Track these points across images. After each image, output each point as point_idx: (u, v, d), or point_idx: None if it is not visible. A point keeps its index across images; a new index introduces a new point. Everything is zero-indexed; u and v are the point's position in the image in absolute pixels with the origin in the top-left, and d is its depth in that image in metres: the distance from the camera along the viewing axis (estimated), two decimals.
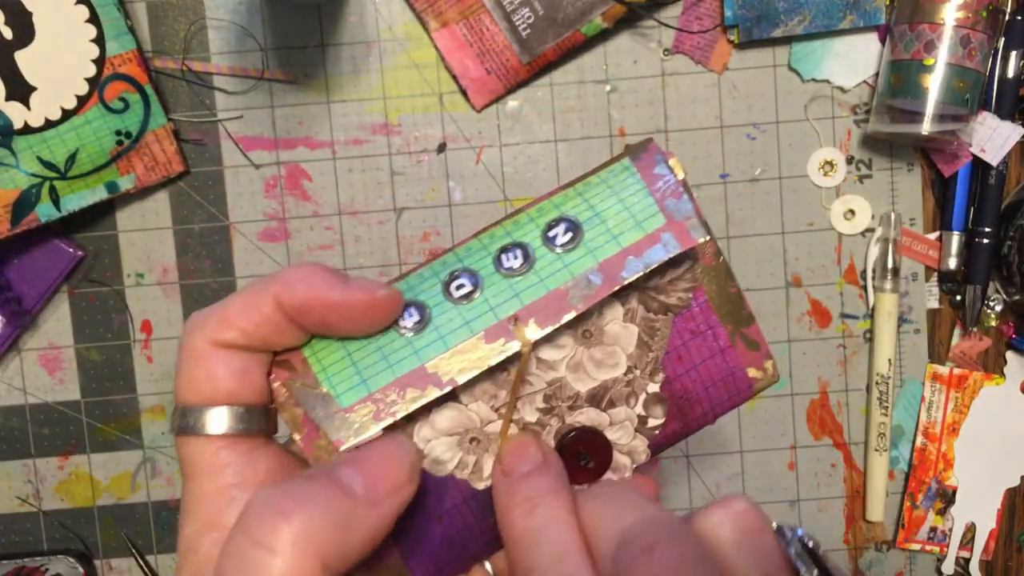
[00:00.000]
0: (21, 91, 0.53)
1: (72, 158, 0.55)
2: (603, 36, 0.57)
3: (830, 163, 0.59)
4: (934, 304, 0.60)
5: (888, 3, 0.57)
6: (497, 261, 0.28)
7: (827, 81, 0.58)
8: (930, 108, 0.53)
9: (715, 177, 0.59)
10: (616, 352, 0.29)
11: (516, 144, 0.58)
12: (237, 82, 0.58)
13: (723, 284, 0.30)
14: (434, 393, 0.27)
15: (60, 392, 0.59)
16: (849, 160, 0.59)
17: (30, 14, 0.53)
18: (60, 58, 0.54)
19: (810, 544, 0.23)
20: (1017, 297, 0.58)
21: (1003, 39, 0.56)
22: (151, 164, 0.56)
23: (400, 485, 0.25)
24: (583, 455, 0.29)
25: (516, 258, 0.28)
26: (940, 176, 0.59)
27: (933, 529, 0.60)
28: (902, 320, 0.59)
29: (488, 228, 0.29)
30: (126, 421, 0.59)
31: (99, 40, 0.54)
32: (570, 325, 0.28)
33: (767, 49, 0.58)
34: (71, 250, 0.57)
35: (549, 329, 0.27)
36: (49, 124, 0.54)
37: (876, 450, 0.59)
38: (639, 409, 0.29)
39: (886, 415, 0.59)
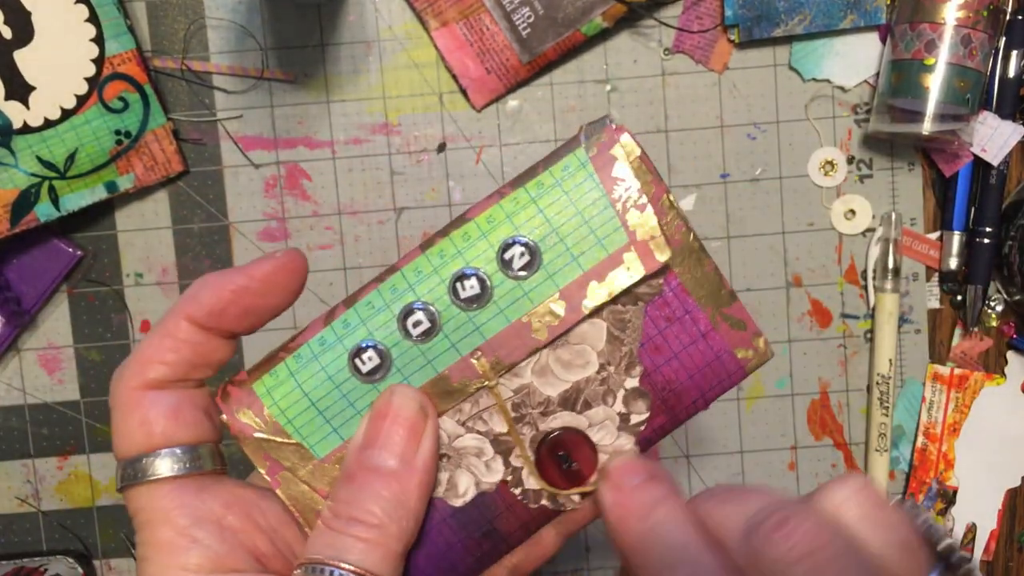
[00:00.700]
0: (20, 90, 0.53)
1: (71, 158, 0.55)
2: (603, 36, 0.57)
3: (831, 163, 0.58)
4: (935, 304, 0.60)
5: (889, 2, 0.57)
6: (453, 292, 0.27)
7: (828, 81, 0.58)
8: (931, 108, 0.53)
9: (715, 177, 0.59)
10: (585, 351, 0.28)
11: (516, 144, 0.58)
12: (237, 82, 0.57)
13: (697, 264, 0.28)
14: None
15: (59, 392, 0.59)
16: (850, 160, 0.59)
17: (29, 13, 0.53)
18: (59, 57, 0.54)
19: (929, 519, 0.23)
20: (1018, 297, 0.58)
21: (1004, 39, 0.56)
22: (150, 164, 0.56)
23: (419, 430, 0.26)
24: (564, 458, 0.28)
25: (473, 288, 0.27)
26: (941, 176, 0.58)
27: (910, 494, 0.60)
28: (903, 320, 0.59)
29: (435, 240, 0.27)
30: None
31: (98, 39, 0.54)
32: None
33: (767, 49, 0.58)
34: (70, 250, 0.57)
35: (514, 362, 0.27)
36: (48, 124, 0.54)
37: (877, 450, 0.59)
38: (619, 407, 0.28)
39: (887, 415, 0.58)
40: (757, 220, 0.59)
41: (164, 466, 0.26)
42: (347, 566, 0.24)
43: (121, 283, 0.59)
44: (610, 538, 0.26)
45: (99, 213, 0.58)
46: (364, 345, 0.27)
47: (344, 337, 0.27)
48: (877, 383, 0.58)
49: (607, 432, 0.28)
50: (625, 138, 0.27)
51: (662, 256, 0.27)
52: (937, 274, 0.59)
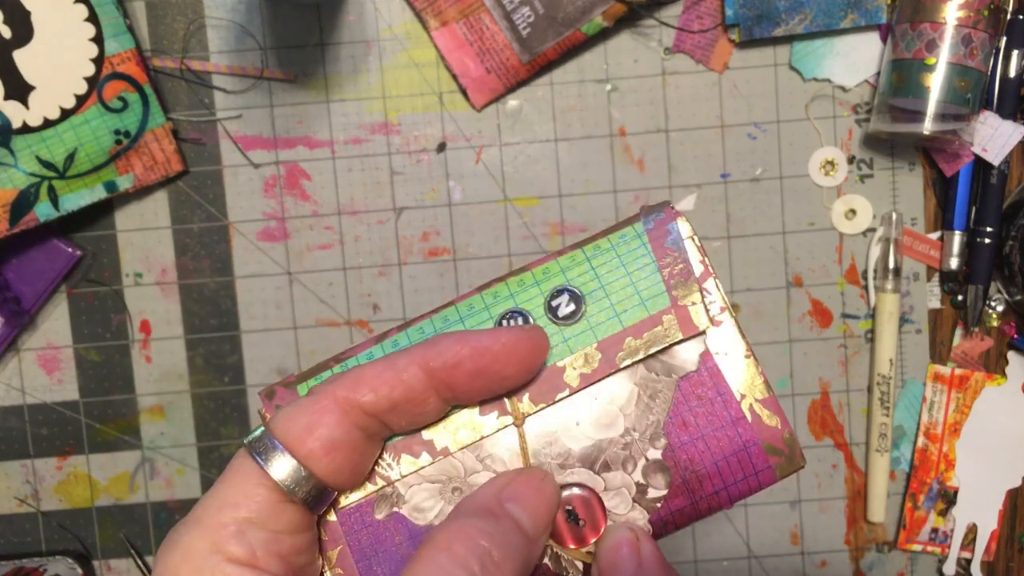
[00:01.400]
0: (20, 90, 0.53)
1: (71, 157, 0.55)
2: (603, 35, 0.57)
3: (831, 162, 0.58)
4: (935, 304, 0.60)
5: (889, 2, 0.56)
6: (498, 327, 0.27)
7: (828, 80, 0.58)
8: (931, 107, 0.53)
9: (716, 177, 0.59)
10: (613, 411, 0.28)
11: (516, 143, 0.58)
12: (236, 81, 0.57)
13: (735, 348, 0.28)
14: (427, 460, 0.27)
15: (59, 392, 0.59)
16: (850, 160, 0.58)
17: (29, 13, 0.53)
18: (59, 57, 0.53)
19: None
20: (1019, 297, 0.58)
21: (1005, 38, 0.56)
22: (150, 163, 0.56)
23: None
24: (573, 514, 0.27)
25: (515, 323, 0.28)
26: (941, 176, 0.58)
27: (934, 530, 0.60)
28: (903, 320, 0.59)
29: (492, 284, 0.29)
30: (125, 421, 0.59)
31: (98, 39, 0.54)
32: None
33: (768, 48, 0.58)
34: (70, 250, 0.57)
35: (543, 407, 0.27)
36: (48, 123, 0.54)
37: (877, 450, 0.59)
38: (638, 476, 0.27)
39: (887, 415, 0.58)
40: (757, 220, 0.59)
41: (284, 472, 0.26)
42: None
43: (121, 283, 0.59)
44: None
45: (98, 213, 0.58)
46: None
47: None
48: (878, 383, 0.58)
49: (622, 500, 0.28)
50: (682, 221, 0.29)
51: (700, 324, 0.27)
52: (938, 274, 0.59)
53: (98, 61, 0.54)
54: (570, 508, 0.27)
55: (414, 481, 0.27)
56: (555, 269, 0.28)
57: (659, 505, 0.28)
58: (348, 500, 0.27)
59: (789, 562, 0.61)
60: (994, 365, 0.60)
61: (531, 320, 0.28)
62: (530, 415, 0.27)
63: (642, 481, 0.28)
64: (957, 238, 0.58)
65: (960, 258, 0.58)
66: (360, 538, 0.27)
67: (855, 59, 0.57)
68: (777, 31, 0.56)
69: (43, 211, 0.55)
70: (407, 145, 0.58)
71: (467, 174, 0.58)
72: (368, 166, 0.58)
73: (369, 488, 0.27)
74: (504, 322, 0.28)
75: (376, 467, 0.27)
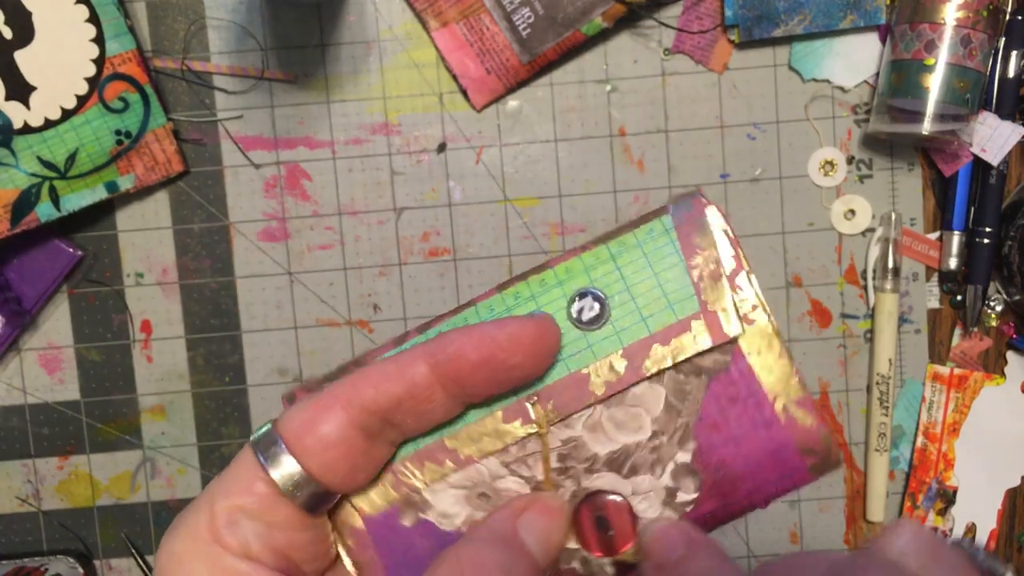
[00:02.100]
0: (21, 91, 0.53)
1: (72, 158, 0.55)
2: (603, 36, 0.57)
3: (830, 163, 0.59)
4: (934, 304, 0.60)
5: (888, 3, 0.57)
6: None
7: (827, 81, 0.58)
8: (931, 108, 0.53)
9: (715, 177, 0.59)
10: (640, 414, 0.27)
11: (516, 144, 0.58)
12: (237, 82, 0.58)
13: (768, 347, 0.27)
14: (451, 468, 0.26)
15: (60, 392, 0.59)
16: (849, 160, 0.59)
17: (30, 14, 0.53)
18: (60, 58, 0.54)
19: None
20: (1018, 297, 0.58)
21: (1004, 39, 0.56)
22: (151, 164, 0.56)
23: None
24: (603, 521, 0.27)
25: None
26: (941, 176, 0.59)
27: (934, 529, 0.60)
28: (902, 320, 0.59)
29: (513, 283, 0.27)
30: (126, 421, 0.59)
31: (99, 40, 0.54)
32: None
33: (767, 49, 0.58)
34: (71, 250, 0.57)
35: (567, 414, 0.26)
36: (49, 124, 0.54)
37: (877, 450, 0.59)
38: (667, 480, 0.27)
39: (886, 415, 0.59)
40: (757, 220, 0.59)
41: (285, 476, 0.26)
42: None
43: (121, 283, 0.59)
44: None
45: (99, 213, 0.58)
46: None
47: None
48: (877, 383, 0.58)
49: (650, 505, 0.27)
50: (712, 211, 0.27)
51: (731, 330, 0.26)
52: (937, 274, 0.59)
53: (99, 62, 0.54)
54: (600, 515, 0.27)
55: (439, 487, 0.27)
56: (578, 267, 0.27)
57: (689, 509, 0.27)
58: (373, 508, 0.27)
59: None
60: (993, 365, 0.60)
61: None
62: (555, 423, 0.27)
63: (671, 484, 0.27)
64: (956, 238, 0.58)
65: (959, 258, 0.58)
66: (391, 546, 0.27)
67: (854, 60, 0.58)
68: (776, 32, 0.56)
69: (44, 211, 0.55)
70: (407, 145, 0.58)
71: (467, 174, 0.58)
72: (368, 166, 0.58)
73: (392, 495, 0.27)
74: None
75: (398, 476, 0.27)
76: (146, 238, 0.59)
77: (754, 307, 0.27)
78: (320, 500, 0.26)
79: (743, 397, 0.26)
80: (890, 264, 0.58)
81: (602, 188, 0.59)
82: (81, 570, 0.59)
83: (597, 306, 0.26)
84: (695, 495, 0.27)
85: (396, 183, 0.58)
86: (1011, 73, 0.57)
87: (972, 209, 0.58)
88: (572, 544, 0.27)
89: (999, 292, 0.59)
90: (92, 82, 0.54)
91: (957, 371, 0.60)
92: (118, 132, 0.55)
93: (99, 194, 0.56)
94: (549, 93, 0.58)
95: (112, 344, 0.59)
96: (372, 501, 0.27)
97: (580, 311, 0.27)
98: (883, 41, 0.57)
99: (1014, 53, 0.56)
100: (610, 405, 0.27)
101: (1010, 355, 0.60)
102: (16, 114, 0.53)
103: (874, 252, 0.58)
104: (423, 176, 0.58)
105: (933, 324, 0.60)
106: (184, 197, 0.58)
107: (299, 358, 0.59)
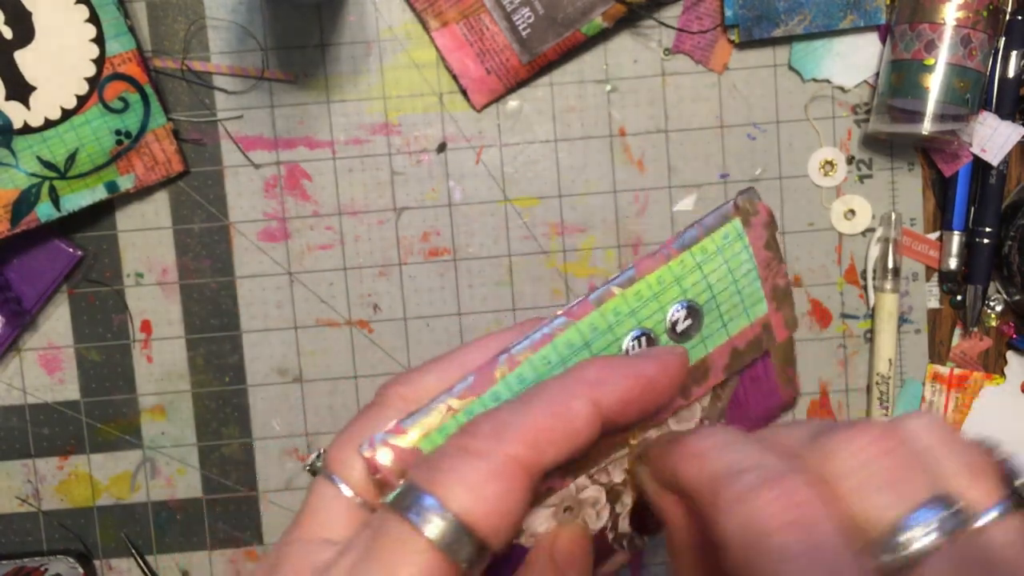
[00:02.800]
0: (21, 91, 0.53)
1: (72, 158, 0.55)
2: (603, 36, 0.57)
3: (830, 163, 0.59)
4: (934, 304, 0.60)
5: (888, 3, 0.57)
6: (624, 353, 0.27)
7: (827, 81, 0.58)
8: (930, 108, 0.53)
9: (715, 177, 0.59)
10: (695, 407, 0.28)
11: (516, 144, 0.58)
12: (237, 82, 0.58)
13: (787, 357, 0.29)
14: (552, 492, 0.26)
15: (60, 392, 0.59)
16: (849, 160, 0.59)
17: (30, 14, 0.53)
18: (60, 58, 0.54)
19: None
20: (1018, 297, 0.58)
21: (1004, 39, 0.56)
22: (151, 164, 0.56)
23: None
24: (643, 504, 0.28)
25: (641, 347, 0.27)
26: (940, 176, 0.59)
27: None
28: (902, 320, 0.59)
29: (607, 299, 0.27)
30: (126, 421, 0.59)
31: (99, 40, 0.54)
32: None
33: (767, 49, 0.58)
34: (71, 250, 0.57)
35: (658, 423, 0.27)
36: (49, 124, 0.54)
37: None
38: None
39: (887, 415, 0.59)
40: None
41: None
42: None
43: (121, 283, 0.59)
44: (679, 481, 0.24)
45: (99, 213, 0.58)
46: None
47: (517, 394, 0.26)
48: (877, 383, 0.58)
49: None
50: (771, 215, 0.29)
51: (791, 328, 0.28)
52: (937, 274, 0.59)
53: (99, 62, 0.54)
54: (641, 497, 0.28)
55: (536, 510, 0.26)
56: (669, 278, 0.27)
57: None
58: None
59: None
60: (993, 365, 0.60)
61: (656, 340, 0.27)
62: (645, 432, 0.27)
63: None
64: (956, 238, 0.58)
65: (959, 258, 0.58)
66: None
67: (854, 60, 0.58)
68: (776, 32, 0.56)
69: (44, 211, 0.55)
70: (407, 145, 0.58)
71: (467, 174, 0.58)
72: (368, 166, 0.58)
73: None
74: (632, 343, 0.27)
75: None
76: (146, 238, 0.58)
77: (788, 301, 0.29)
78: (479, 559, 0.22)
79: (760, 376, 0.29)
80: (890, 264, 0.58)
81: (602, 188, 0.59)
82: (81, 570, 0.59)
83: (690, 317, 0.27)
84: None
85: (396, 183, 0.58)
86: (1011, 73, 0.57)
87: (972, 209, 0.58)
88: (626, 528, 0.28)
89: (999, 292, 0.59)
90: (92, 82, 0.54)
91: (957, 371, 0.60)
92: (118, 132, 0.55)
93: (99, 194, 0.56)
94: (549, 93, 0.58)
95: (112, 344, 0.59)
96: None
97: (676, 322, 0.27)
98: (883, 41, 0.57)
99: (1014, 53, 0.56)
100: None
101: (1010, 355, 0.60)
102: (16, 114, 0.53)
103: (874, 252, 0.59)
104: (423, 176, 0.58)
105: (933, 324, 0.60)
106: (184, 197, 0.58)
107: (299, 358, 0.59)
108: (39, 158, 0.54)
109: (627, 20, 0.57)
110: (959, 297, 0.59)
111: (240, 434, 0.60)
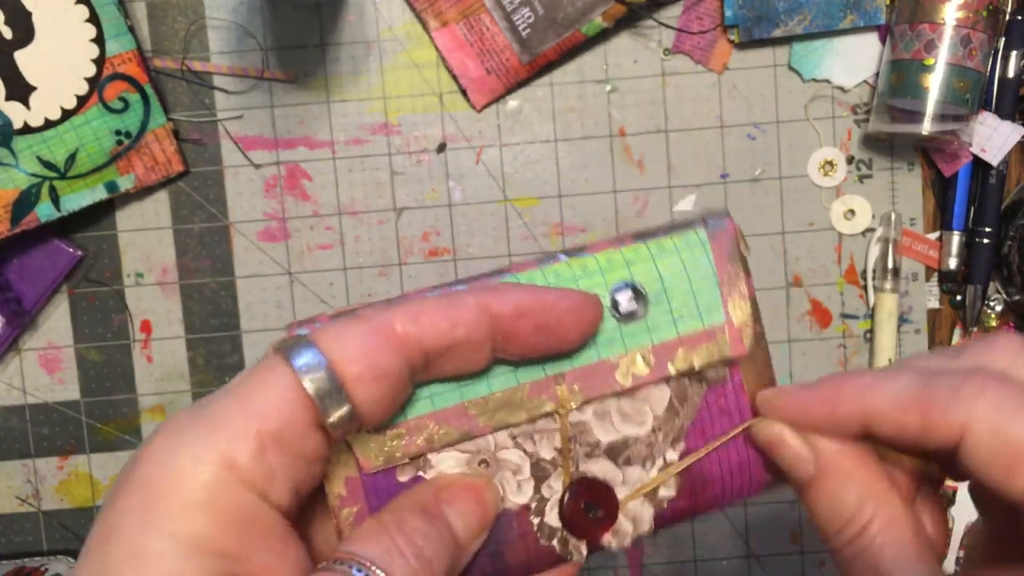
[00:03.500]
0: (21, 91, 0.53)
1: (72, 158, 0.55)
2: (603, 36, 0.57)
3: (830, 163, 0.59)
4: (934, 304, 0.60)
5: (888, 3, 0.57)
6: None
7: (827, 81, 0.58)
8: (930, 108, 0.53)
9: (715, 177, 0.59)
10: (645, 410, 0.28)
11: (516, 144, 0.58)
12: (237, 82, 0.58)
13: (761, 372, 0.29)
14: (466, 435, 0.27)
15: (60, 392, 0.59)
16: (849, 160, 0.59)
17: (30, 14, 0.53)
18: (60, 58, 0.54)
19: None
20: (1017, 297, 0.58)
21: (1003, 39, 0.56)
22: (151, 164, 0.56)
23: (483, 532, 0.26)
24: (591, 506, 0.28)
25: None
26: (940, 176, 0.59)
27: None
28: (902, 320, 0.59)
29: (552, 262, 0.28)
30: (126, 421, 0.59)
31: (99, 40, 0.54)
32: None
33: (767, 49, 0.58)
34: (71, 250, 0.57)
35: (590, 399, 0.27)
36: (49, 124, 0.54)
37: None
38: (653, 474, 0.28)
39: None
40: (757, 220, 0.59)
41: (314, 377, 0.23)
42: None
43: (121, 283, 0.59)
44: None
45: (99, 213, 0.58)
46: None
47: None
48: None
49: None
50: (740, 235, 0.29)
51: (748, 345, 0.28)
52: (937, 274, 0.59)
53: (99, 62, 0.54)
54: (588, 501, 0.28)
55: (446, 450, 0.27)
56: (619, 260, 0.28)
57: (666, 505, 0.28)
58: (374, 461, 0.26)
59: (789, 562, 0.61)
60: None
61: None
62: (575, 408, 0.27)
63: None
64: (956, 238, 0.58)
65: (959, 258, 0.58)
66: (380, 498, 0.26)
67: (854, 60, 0.58)
68: (776, 32, 0.56)
69: (44, 211, 0.55)
70: (407, 145, 0.58)
71: (467, 174, 0.58)
72: (368, 166, 0.58)
73: (396, 450, 0.26)
74: None
75: (411, 433, 0.26)
76: (146, 238, 0.59)
77: (756, 328, 0.28)
78: (345, 429, 0.23)
79: (731, 410, 0.28)
80: (890, 264, 0.58)
81: (602, 188, 0.59)
82: None
83: (636, 300, 0.27)
84: (674, 493, 0.28)
85: (396, 183, 0.58)
86: (1011, 73, 0.57)
87: (972, 209, 0.58)
88: (555, 523, 0.28)
89: (999, 292, 0.59)
90: (92, 82, 0.54)
91: None
92: (118, 132, 0.55)
93: (99, 194, 0.56)
94: (549, 93, 0.58)
95: (112, 344, 0.59)
96: (374, 453, 0.26)
97: (618, 302, 0.27)
98: (883, 41, 0.57)
99: (1014, 53, 0.56)
100: (621, 397, 0.28)
101: None
102: (16, 114, 0.53)
103: (874, 252, 0.59)
104: (423, 176, 0.58)
105: (933, 324, 0.60)
106: (184, 197, 0.58)
107: None
108: (39, 158, 0.54)
109: (627, 20, 0.57)
110: (959, 297, 0.59)
111: None
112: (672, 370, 0.28)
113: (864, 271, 0.59)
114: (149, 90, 0.55)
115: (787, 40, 0.58)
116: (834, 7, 0.56)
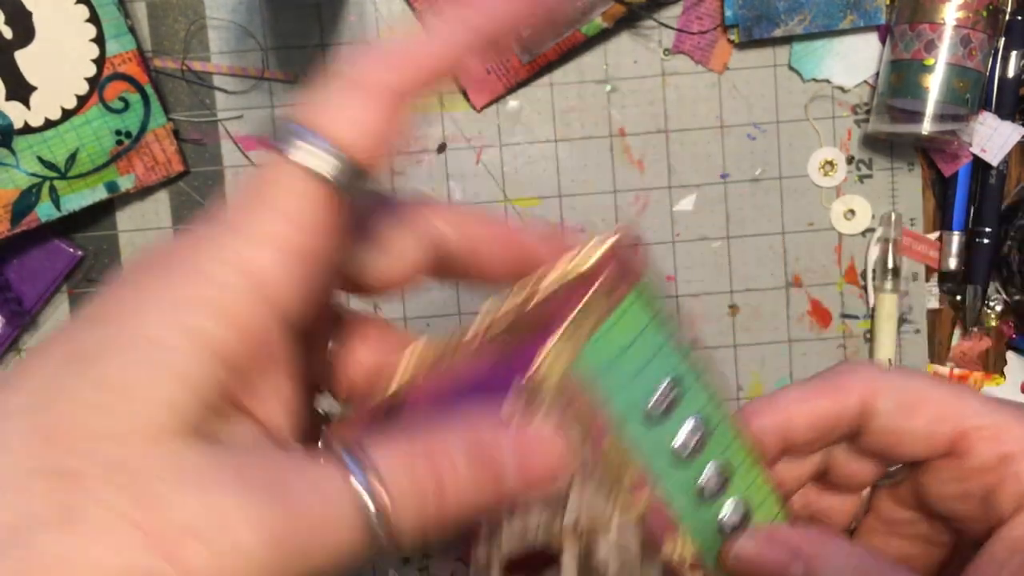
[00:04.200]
0: (21, 91, 0.53)
1: (72, 158, 0.55)
2: (603, 36, 0.57)
3: (830, 163, 0.59)
4: (934, 304, 0.60)
5: (888, 3, 0.57)
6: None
7: (827, 81, 0.58)
8: (930, 108, 0.53)
9: (715, 177, 0.59)
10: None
11: (516, 144, 0.58)
12: (237, 82, 0.58)
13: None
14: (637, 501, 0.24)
15: None
16: (849, 160, 0.59)
17: (30, 14, 0.53)
18: (60, 58, 0.54)
19: None
20: (1017, 297, 0.58)
21: (1003, 39, 0.56)
22: (151, 164, 0.56)
23: (548, 479, 0.21)
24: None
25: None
26: (940, 176, 0.59)
27: None
28: (902, 320, 0.59)
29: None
30: None
31: (99, 40, 0.54)
32: None
33: (767, 49, 0.58)
34: (71, 250, 0.57)
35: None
36: (49, 124, 0.54)
37: None
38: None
39: None
40: (757, 220, 0.59)
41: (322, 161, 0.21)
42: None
43: None
44: None
45: (100, 213, 0.58)
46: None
47: None
48: None
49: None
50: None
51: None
52: (937, 274, 0.59)
53: (99, 62, 0.54)
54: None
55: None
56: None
57: None
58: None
59: None
60: (993, 365, 0.60)
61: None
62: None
63: None
64: (956, 238, 0.58)
65: (959, 258, 0.58)
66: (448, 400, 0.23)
67: (854, 60, 0.58)
68: (776, 32, 0.56)
69: (44, 211, 0.55)
70: (407, 145, 0.58)
71: (467, 174, 0.58)
72: None
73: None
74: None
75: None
76: (146, 238, 0.59)
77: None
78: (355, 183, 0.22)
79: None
80: (890, 264, 0.58)
81: (602, 188, 0.59)
82: None
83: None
84: None
85: (396, 183, 0.58)
86: (1011, 73, 0.57)
87: (972, 209, 0.58)
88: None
89: (999, 292, 0.59)
90: (92, 82, 0.54)
91: (957, 371, 0.60)
92: (118, 132, 0.55)
93: (99, 194, 0.56)
94: (549, 93, 0.58)
95: None
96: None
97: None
98: (883, 41, 0.57)
99: (1014, 53, 0.56)
100: None
101: (1010, 355, 0.60)
102: (16, 114, 0.53)
103: (874, 252, 0.59)
104: (423, 176, 0.58)
105: (933, 324, 0.60)
106: (184, 197, 0.58)
107: None
108: (39, 158, 0.54)
109: (627, 20, 0.57)
110: (959, 297, 0.59)
111: None
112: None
113: (864, 271, 0.59)
114: (149, 90, 0.55)
115: (787, 40, 0.58)
116: (834, 7, 0.56)
